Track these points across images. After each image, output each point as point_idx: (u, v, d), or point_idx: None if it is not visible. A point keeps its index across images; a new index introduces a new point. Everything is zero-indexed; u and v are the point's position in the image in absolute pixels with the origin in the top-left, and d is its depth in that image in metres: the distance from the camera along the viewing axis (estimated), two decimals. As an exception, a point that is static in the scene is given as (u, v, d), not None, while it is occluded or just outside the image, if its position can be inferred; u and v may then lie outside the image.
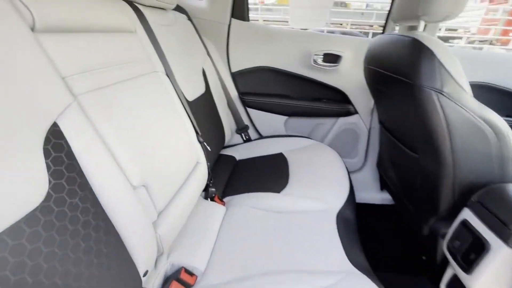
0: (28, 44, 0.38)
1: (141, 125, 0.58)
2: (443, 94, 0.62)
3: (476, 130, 0.63)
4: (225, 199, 0.92)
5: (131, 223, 0.47)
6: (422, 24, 0.75)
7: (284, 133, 1.37)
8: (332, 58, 1.20)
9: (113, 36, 0.59)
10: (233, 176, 1.03)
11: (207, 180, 0.87)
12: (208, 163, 0.86)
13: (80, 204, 0.39)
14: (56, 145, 0.38)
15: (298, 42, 1.22)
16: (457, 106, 0.62)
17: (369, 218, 1.29)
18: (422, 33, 0.70)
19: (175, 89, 0.78)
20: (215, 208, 0.84)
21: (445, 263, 0.79)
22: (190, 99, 0.89)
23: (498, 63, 1.20)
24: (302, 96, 1.32)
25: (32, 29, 0.41)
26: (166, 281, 0.59)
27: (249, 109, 1.34)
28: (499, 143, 0.64)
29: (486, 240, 0.61)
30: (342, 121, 1.32)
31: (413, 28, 0.82)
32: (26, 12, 0.40)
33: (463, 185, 0.70)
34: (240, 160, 1.16)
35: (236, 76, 1.31)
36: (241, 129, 1.32)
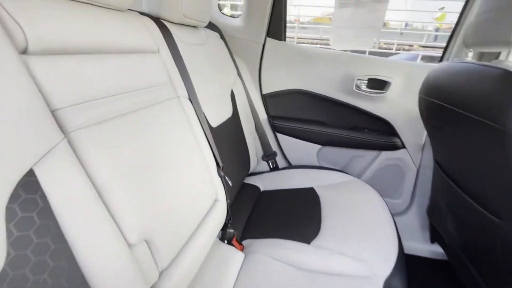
0: (13, 69, 0.30)
1: (150, 165, 0.48)
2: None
3: None
4: (244, 242, 0.80)
5: None
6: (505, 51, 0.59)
7: (316, 163, 1.22)
8: (378, 84, 1.05)
9: (130, 58, 0.51)
10: (255, 212, 0.91)
11: (226, 219, 0.75)
12: (228, 200, 0.75)
13: (50, 281, 0.29)
14: (26, 202, 0.28)
15: (339, 64, 1.10)
16: None
17: (414, 274, 1.07)
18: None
19: (198, 116, 0.68)
20: (232, 255, 0.71)
21: None
22: (215, 125, 0.80)
23: None
24: (339, 124, 1.17)
25: (25, 51, 0.33)
26: None
27: (278, 135, 1.22)
28: None
29: None
30: (386, 155, 1.14)
31: (492, 56, 0.66)
32: (16, 30, 0.32)
33: None
34: (265, 191, 1.03)
35: (267, 99, 1.20)
36: (268, 155, 1.20)
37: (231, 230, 0.77)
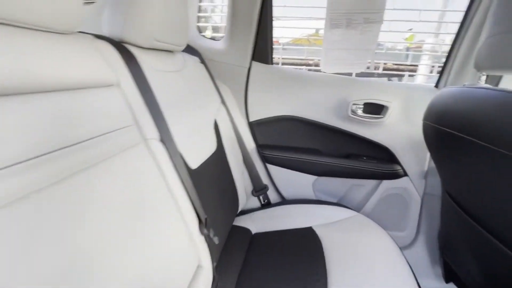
0: None
1: (105, 240, 0.33)
2: None
3: None
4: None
5: None
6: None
7: (312, 195, 1.10)
8: (375, 109, 0.97)
9: (73, 97, 0.37)
10: (247, 263, 0.76)
11: (212, 287, 0.60)
12: (214, 263, 0.60)
13: None
14: None
15: (332, 88, 1.01)
16: None
17: None
18: None
19: (173, 160, 0.55)
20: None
21: None
22: (195, 166, 0.66)
23: None
24: (335, 152, 1.07)
25: None
26: None
27: (269, 166, 1.10)
28: None
29: None
30: (387, 184, 1.05)
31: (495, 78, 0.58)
32: None
33: None
34: (257, 234, 0.89)
35: (255, 127, 1.09)
36: (259, 190, 1.07)
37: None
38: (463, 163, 0.64)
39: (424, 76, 1.51)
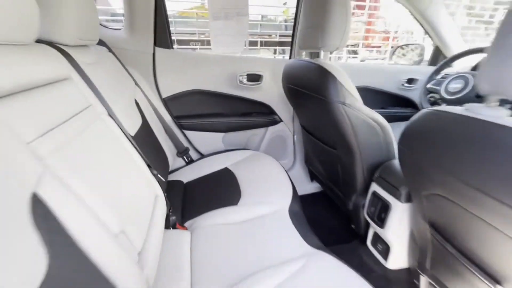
0: None
1: (104, 174, 0.57)
2: (346, 105, 0.86)
3: (370, 127, 0.90)
4: (186, 224, 0.95)
5: (122, 274, 0.48)
6: (322, 51, 0.99)
7: (223, 148, 1.47)
8: (254, 77, 1.38)
9: (52, 88, 0.56)
10: (186, 200, 1.06)
11: (167, 210, 0.88)
12: (165, 194, 0.88)
13: (78, 269, 0.39)
14: (42, 215, 0.37)
15: (223, 65, 1.35)
16: (356, 112, 0.87)
17: (306, 205, 1.53)
18: (325, 61, 0.93)
19: (120, 128, 0.77)
20: (181, 236, 0.86)
21: (367, 226, 1.05)
22: (133, 133, 0.89)
23: (372, 72, 1.64)
24: (234, 112, 1.44)
25: None
26: None
27: (186, 131, 1.38)
28: (383, 134, 0.93)
29: (388, 202, 0.87)
30: (271, 129, 1.52)
31: (316, 54, 1.06)
32: None
33: (368, 166, 0.97)
34: (188, 183, 1.19)
35: (168, 102, 1.32)
36: (182, 152, 1.34)
37: (173, 217, 0.91)
38: (305, 106, 1.11)
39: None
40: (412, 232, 0.86)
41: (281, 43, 3.83)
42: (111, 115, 0.75)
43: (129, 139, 0.79)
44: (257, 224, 0.88)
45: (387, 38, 5.23)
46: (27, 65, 0.51)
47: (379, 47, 5.28)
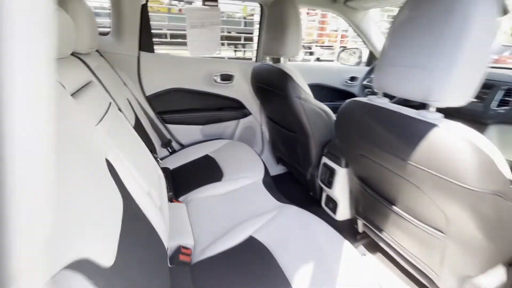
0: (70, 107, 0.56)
1: (133, 150, 0.78)
2: (301, 99, 1.15)
3: (319, 115, 1.21)
4: (180, 199, 1.17)
5: (154, 217, 0.70)
6: (282, 58, 1.28)
7: (201, 139, 1.68)
8: (227, 77, 1.62)
9: (90, 88, 0.74)
10: (176, 182, 1.27)
11: (167, 187, 1.09)
12: (164, 174, 1.08)
13: (134, 211, 0.61)
14: (113, 172, 0.58)
15: (199, 66, 1.56)
16: (308, 104, 1.17)
17: (274, 184, 1.82)
18: (284, 65, 1.22)
19: (128, 120, 0.96)
20: (179, 207, 1.08)
21: (321, 191, 1.38)
22: (133, 125, 1.07)
23: (323, 71, 1.99)
24: (210, 107, 1.67)
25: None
26: (173, 255, 0.83)
27: (168, 125, 1.57)
28: (328, 119, 1.25)
29: (334, 168, 1.19)
30: (242, 121, 1.77)
31: (277, 59, 1.34)
32: None
33: (319, 144, 1.29)
34: (175, 169, 1.39)
35: (152, 99, 1.49)
36: (166, 143, 1.53)
37: (170, 193, 1.12)
38: (270, 101, 1.39)
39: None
40: (350, 189, 1.20)
41: (240, 39, 4.14)
42: (120, 110, 0.94)
43: (134, 130, 0.98)
44: (238, 193, 1.14)
45: (339, 37, 5.82)
46: (75, 72, 0.69)
47: (332, 46, 5.83)
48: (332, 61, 2.93)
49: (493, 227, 0.61)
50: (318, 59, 5.32)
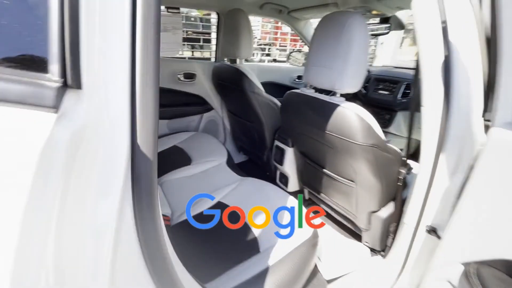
0: None
1: None
2: (255, 93, 1.41)
3: (270, 106, 1.48)
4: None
5: None
6: (237, 59, 1.52)
7: (167, 132, 1.84)
8: (190, 75, 1.80)
9: None
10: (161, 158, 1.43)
11: None
12: None
13: None
14: None
15: (165, 65, 1.72)
16: (261, 97, 1.43)
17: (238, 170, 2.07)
18: (240, 65, 1.46)
19: None
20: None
21: (275, 170, 1.66)
22: None
23: (275, 71, 2.29)
24: (176, 103, 1.84)
25: None
26: None
27: (137, 120, 1.69)
28: (277, 109, 1.53)
29: (283, 148, 1.48)
30: (206, 115, 1.98)
31: (234, 60, 1.58)
32: None
33: (272, 130, 1.57)
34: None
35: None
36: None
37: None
38: (229, 96, 1.62)
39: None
40: (297, 164, 1.50)
41: (199, 41, 4.34)
42: None
43: None
44: (206, 173, 1.36)
45: (293, 40, 6.29)
46: None
47: (285, 47, 6.28)
48: (285, 61, 3.30)
49: (377, 170, 0.93)
50: (274, 60, 5.72)
